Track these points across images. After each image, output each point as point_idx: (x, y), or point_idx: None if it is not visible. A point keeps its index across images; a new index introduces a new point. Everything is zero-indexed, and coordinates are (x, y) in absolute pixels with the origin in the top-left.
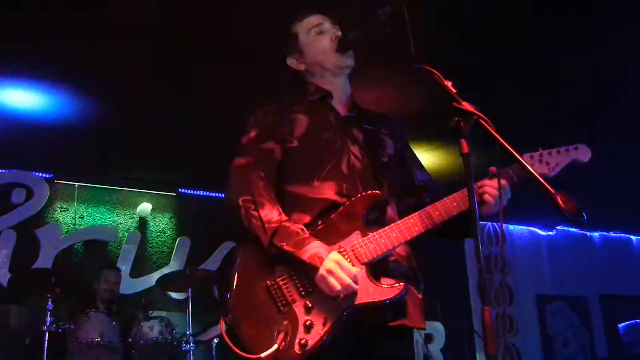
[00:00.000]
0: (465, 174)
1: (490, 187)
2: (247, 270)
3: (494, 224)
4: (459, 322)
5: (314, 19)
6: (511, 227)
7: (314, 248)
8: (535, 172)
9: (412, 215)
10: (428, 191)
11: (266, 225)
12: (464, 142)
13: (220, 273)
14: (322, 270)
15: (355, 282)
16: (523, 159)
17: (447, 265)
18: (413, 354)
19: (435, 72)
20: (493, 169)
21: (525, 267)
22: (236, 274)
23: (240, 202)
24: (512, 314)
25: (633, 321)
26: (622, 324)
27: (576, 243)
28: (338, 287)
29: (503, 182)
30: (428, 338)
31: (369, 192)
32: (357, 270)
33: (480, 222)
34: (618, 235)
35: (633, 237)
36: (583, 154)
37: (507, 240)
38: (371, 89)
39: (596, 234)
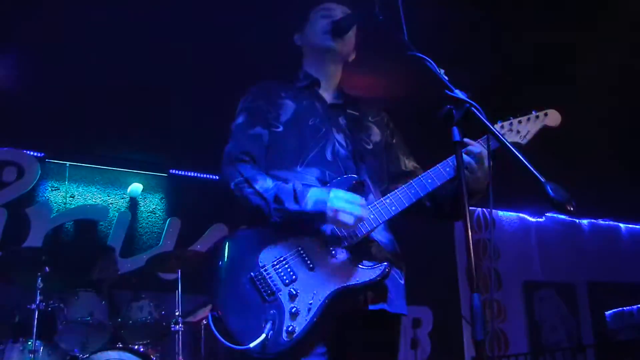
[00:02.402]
0: (457, 162)
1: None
2: (232, 263)
3: (484, 209)
4: (447, 306)
5: (327, 4)
6: (500, 213)
7: (313, 195)
8: (508, 140)
9: (388, 195)
10: (416, 176)
11: (264, 194)
12: (455, 130)
13: (207, 267)
14: (330, 212)
15: (364, 207)
16: (494, 129)
17: (436, 250)
18: (397, 340)
19: (428, 59)
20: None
21: (514, 254)
22: (222, 269)
23: (233, 186)
24: (499, 299)
25: (619, 309)
26: (609, 312)
27: (565, 230)
28: (351, 221)
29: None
30: (416, 322)
31: (345, 176)
32: (361, 199)
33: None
34: (607, 223)
35: (622, 225)
36: (553, 119)
37: (496, 226)
38: (363, 76)
39: (585, 222)
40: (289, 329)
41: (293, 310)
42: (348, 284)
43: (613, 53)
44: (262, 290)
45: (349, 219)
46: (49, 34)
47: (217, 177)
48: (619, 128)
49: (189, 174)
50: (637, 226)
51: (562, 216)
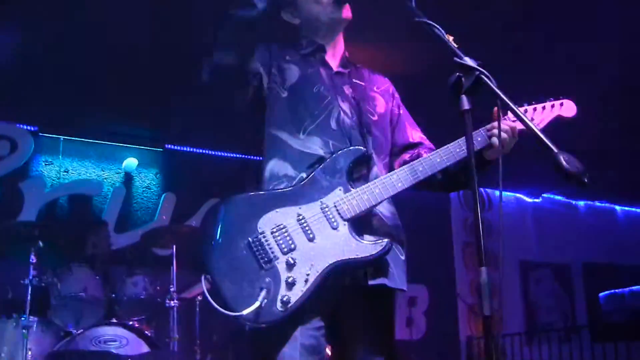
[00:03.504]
0: (466, 131)
1: (503, 130)
2: (228, 227)
3: (482, 189)
4: (443, 285)
5: None
6: (497, 193)
7: None
8: (525, 129)
9: (396, 170)
10: (423, 148)
11: None
12: (464, 98)
13: (201, 231)
14: None
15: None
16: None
17: (431, 229)
18: (393, 316)
19: (437, 26)
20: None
21: (510, 234)
22: (217, 232)
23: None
24: (495, 279)
25: (613, 290)
26: (603, 293)
27: (561, 211)
28: None
29: (514, 124)
30: (411, 301)
31: (352, 147)
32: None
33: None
34: (603, 204)
35: (617, 207)
36: (568, 110)
37: (493, 206)
38: (366, 46)
39: (581, 203)
40: (284, 298)
41: (289, 279)
42: (348, 257)
43: None
44: (259, 256)
45: None
46: (44, 7)
47: (212, 152)
48: (615, 110)
49: (185, 149)
50: (633, 209)
51: (559, 197)
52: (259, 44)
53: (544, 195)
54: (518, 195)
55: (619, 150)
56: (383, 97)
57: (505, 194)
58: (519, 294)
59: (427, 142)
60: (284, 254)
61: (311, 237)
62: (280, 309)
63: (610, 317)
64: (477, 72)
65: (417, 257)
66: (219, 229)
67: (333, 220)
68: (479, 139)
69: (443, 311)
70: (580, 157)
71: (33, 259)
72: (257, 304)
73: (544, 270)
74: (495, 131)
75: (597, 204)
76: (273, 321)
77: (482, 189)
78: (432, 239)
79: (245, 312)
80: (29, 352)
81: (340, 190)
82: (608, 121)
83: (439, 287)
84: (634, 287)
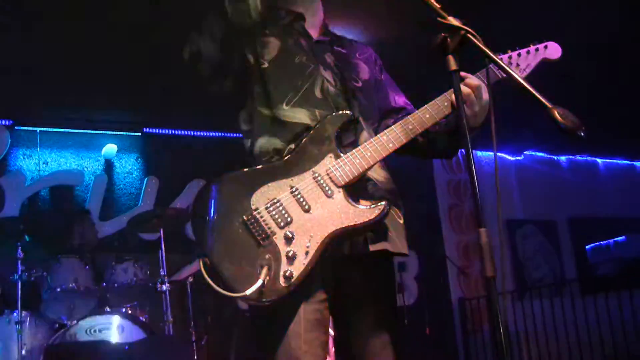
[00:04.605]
0: (454, 92)
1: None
2: (221, 207)
3: (461, 150)
4: (432, 249)
5: None
6: (479, 153)
7: None
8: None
9: (385, 131)
10: (407, 113)
11: None
12: (451, 59)
13: (194, 214)
14: None
15: None
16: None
17: (416, 193)
18: (395, 281)
19: None
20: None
21: (494, 193)
22: (211, 213)
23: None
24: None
25: (599, 242)
26: (589, 246)
27: (544, 168)
28: None
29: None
30: (401, 266)
31: (339, 112)
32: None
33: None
34: (584, 158)
35: (599, 160)
36: (553, 52)
37: (475, 166)
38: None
39: (563, 158)
40: (287, 273)
41: (290, 254)
42: (347, 224)
43: None
44: (256, 234)
45: None
46: None
47: (191, 133)
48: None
49: (164, 131)
50: (614, 160)
51: (541, 154)
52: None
53: (526, 152)
54: (500, 154)
55: (599, 102)
56: (366, 63)
57: (486, 153)
58: (507, 253)
59: (410, 107)
60: (281, 228)
61: (307, 207)
62: (283, 284)
63: (598, 269)
64: (463, 32)
65: (404, 222)
66: (212, 210)
67: (327, 188)
68: (445, 103)
69: (433, 275)
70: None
71: (20, 254)
72: (259, 282)
73: (530, 228)
74: (467, 80)
75: (579, 158)
76: (277, 298)
77: (460, 151)
78: (417, 203)
79: (248, 291)
80: (24, 347)
81: (330, 157)
82: (587, 72)
83: (428, 251)
84: (618, 238)
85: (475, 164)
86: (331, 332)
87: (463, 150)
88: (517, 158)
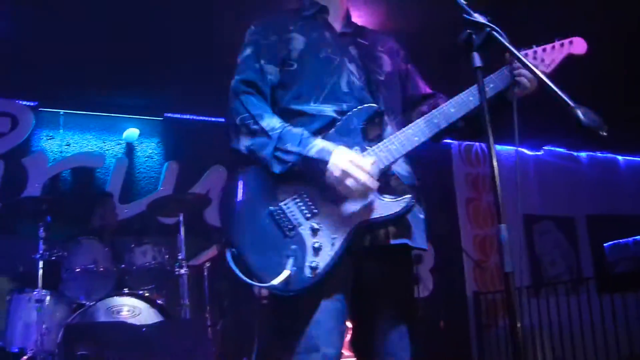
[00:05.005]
0: (478, 88)
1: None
2: (248, 198)
3: (481, 144)
4: (448, 241)
5: None
6: (498, 147)
7: (319, 143)
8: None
9: (410, 125)
10: (439, 98)
11: (270, 132)
12: (476, 55)
13: (221, 204)
14: (334, 171)
15: (373, 181)
16: (517, 52)
17: (434, 185)
18: (413, 275)
19: None
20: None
21: (513, 188)
22: (238, 204)
23: (239, 121)
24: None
25: (617, 241)
26: (608, 244)
27: (563, 163)
28: (354, 186)
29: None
30: (417, 258)
31: (365, 105)
32: (372, 160)
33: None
34: (605, 155)
35: (620, 157)
36: (578, 47)
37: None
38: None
39: (583, 154)
40: (312, 264)
41: (316, 245)
42: (371, 217)
43: None
44: (283, 225)
45: (352, 184)
46: None
47: (213, 119)
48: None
49: (185, 116)
50: (635, 158)
51: (560, 149)
52: (265, 22)
53: (545, 147)
54: (519, 148)
55: (620, 98)
56: (389, 55)
57: (505, 147)
58: (524, 248)
59: (440, 94)
60: (307, 219)
61: (333, 199)
62: (309, 275)
63: (616, 268)
64: (488, 29)
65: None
66: (239, 201)
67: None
68: (471, 97)
69: (449, 268)
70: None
71: (42, 233)
72: (286, 272)
73: (548, 224)
74: (522, 70)
75: (599, 154)
76: (303, 288)
77: (479, 144)
78: (435, 195)
79: (275, 281)
80: (44, 325)
81: (357, 149)
82: (608, 68)
83: (445, 244)
84: (637, 236)
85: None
86: (348, 323)
87: (481, 143)
88: (537, 153)
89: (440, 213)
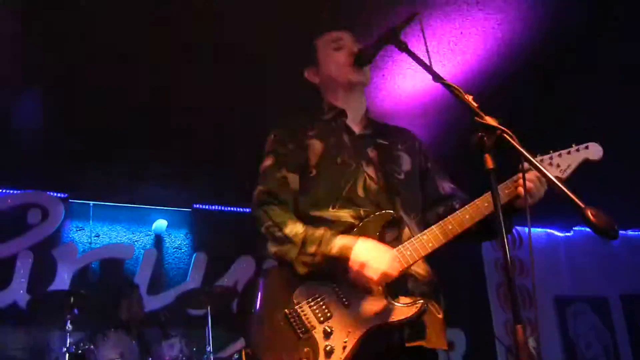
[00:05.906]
0: (491, 189)
1: (529, 180)
2: (266, 300)
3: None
4: (480, 327)
5: (334, 34)
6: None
7: (340, 241)
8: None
9: (426, 231)
10: (455, 200)
11: (294, 239)
12: (488, 157)
13: (241, 305)
14: (354, 265)
15: (393, 261)
16: (527, 154)
17: (464, 270)
18: None
19: (455, 86)
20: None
21: (543, 270)
22: (257, 305)
23: (263, 230)
24: (531, 317)
25: None
26: None
27: (594, 243)
28: (375, 276)
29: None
30: (449, 346)
31: (381, 212)
32: (393, 252)
33: None
34: (636, 233)
35: None
36: (594, 152)
37: (523, 243)
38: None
39: None
40: None
41: (328, 348)
42: (384, 321)
43: None
44: (297, 327)
45: (373, 274)
46: (70, 74)
47: (240, 210)
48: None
49: (213, 207)
50: None
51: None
52: (284, 130)
53: (575, 228)
54: (549, 230)
55: None
56: (408, 153)
57: (536, 230)
58: (556, 331)
59: (459, 193)
60: (321, 322)
61: (346, 303)
62: None
63: None
64: (499, 131)
65: (452, 300)
66: (258, 303)
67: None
68: (507, 191)
69: (482, 354)
70: (611, 185)
71: (69, 326)
72: None
73: (582, 305)
74: (521, 182)
75: (630, 233)
76: None
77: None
78: (465, 281)
79: None
80: None
81: None
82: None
83: (476, 330)
84: None
85: (524, 241)
86: None
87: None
88: (567, 234)
89: (471, 299)
